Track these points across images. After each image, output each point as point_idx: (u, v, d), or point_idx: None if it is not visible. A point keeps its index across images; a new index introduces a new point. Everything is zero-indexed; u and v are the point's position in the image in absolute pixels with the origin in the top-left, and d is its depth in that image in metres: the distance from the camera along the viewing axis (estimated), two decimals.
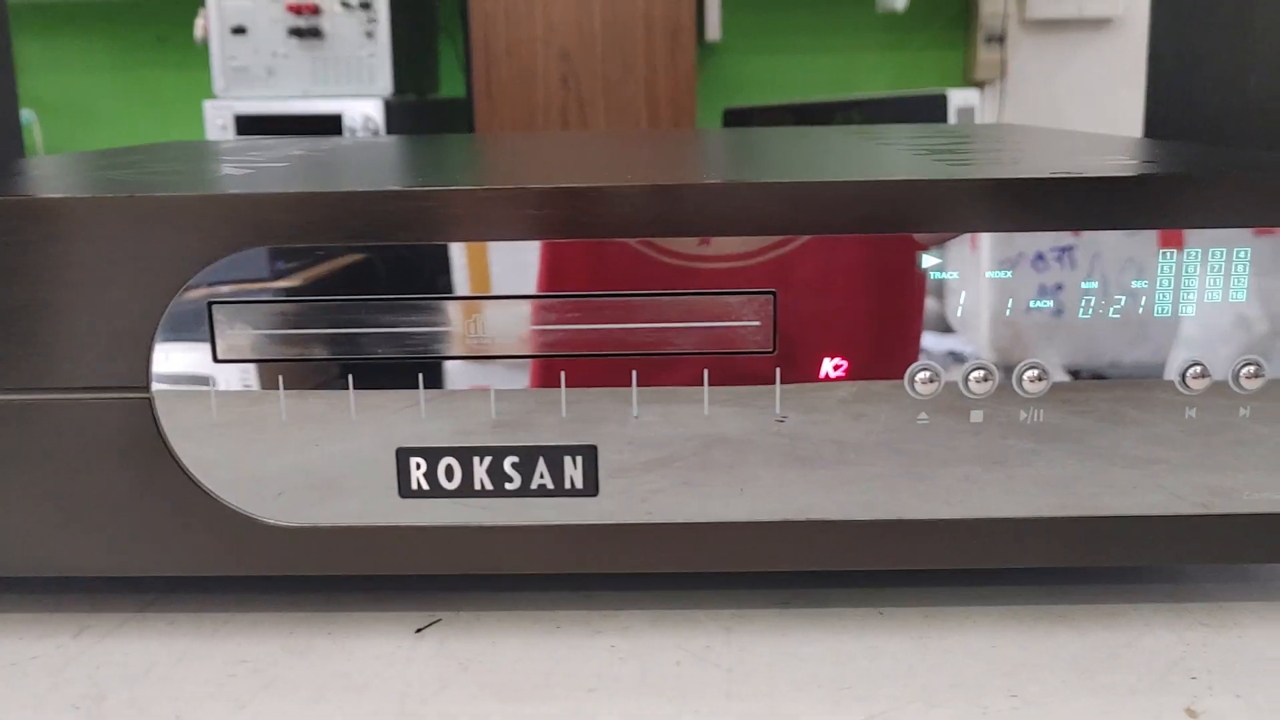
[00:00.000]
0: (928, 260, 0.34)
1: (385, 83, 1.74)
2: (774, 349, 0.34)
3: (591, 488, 0.35)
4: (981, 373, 0.34)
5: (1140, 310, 0.34)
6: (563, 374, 0.35)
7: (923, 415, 0.35)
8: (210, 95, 1.78)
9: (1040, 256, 0.34)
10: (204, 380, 0.35)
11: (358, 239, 0.34)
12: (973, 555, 0.36)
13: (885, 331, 0.34)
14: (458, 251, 0.34)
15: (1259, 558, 0.36)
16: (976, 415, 0.35)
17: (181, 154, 0.55)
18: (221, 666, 0.35)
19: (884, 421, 0.35)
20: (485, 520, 0.36)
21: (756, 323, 0.34)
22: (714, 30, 2.12)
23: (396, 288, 0.34)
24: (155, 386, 0.35)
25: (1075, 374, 0.35)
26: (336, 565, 0.36)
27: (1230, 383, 0.34)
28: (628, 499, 0.35)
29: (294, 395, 0.35)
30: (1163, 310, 0.34)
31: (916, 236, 0.34)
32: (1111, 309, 0.34)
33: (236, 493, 0.36)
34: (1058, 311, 0.34)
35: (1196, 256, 0.34)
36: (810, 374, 0.34)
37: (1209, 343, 0.34)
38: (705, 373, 0.34)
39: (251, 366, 0.35)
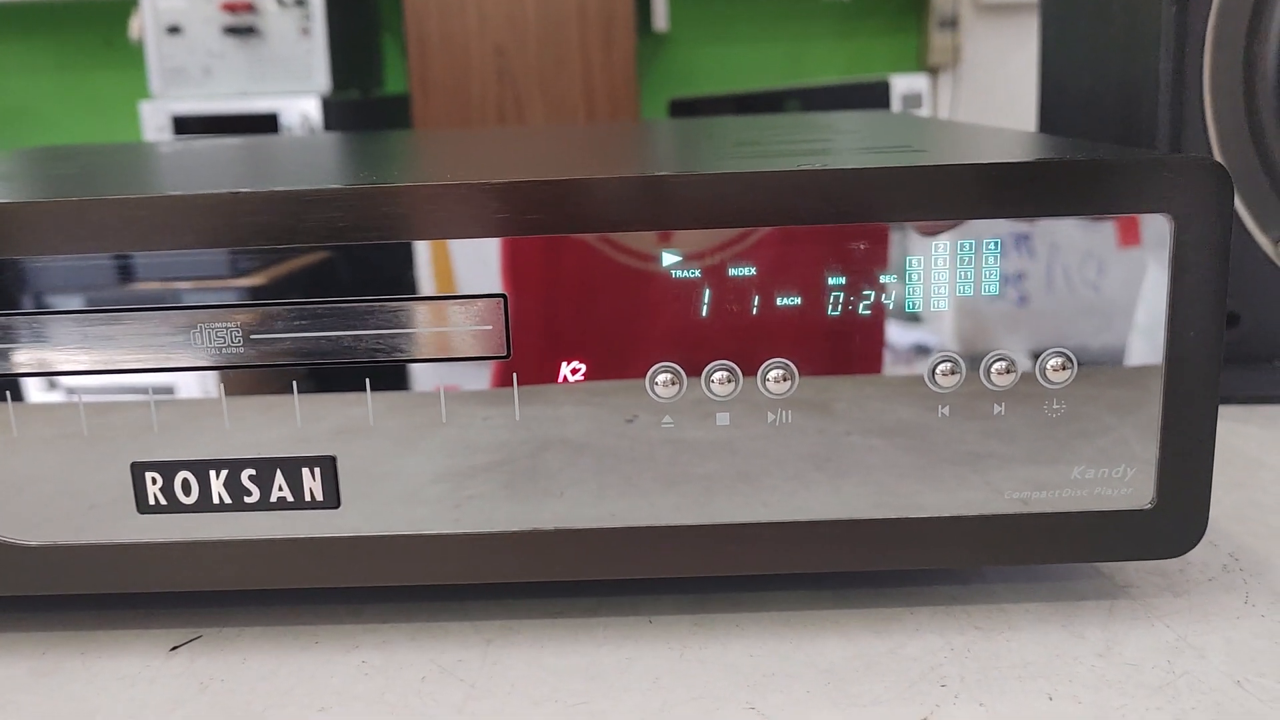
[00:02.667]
0: (668, 259, 0.33)
1: (323, 80, 1.72)
2: (508, 353, 0.33)
3: (333, 499, 0.34)
4: (724, 374, 0.33)
5: (890, 305, 0.33)
6: (294, 384, 0.33)
7: (668, 419, 0.34)
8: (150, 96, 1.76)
9: (786, 253, 0.33)
10: None
11: (68, 250, 0.33)
12: (734, 562, 0.35)
13: (624, 333, 0.33)
14: (183, 258, 0.33)
15: (1026, 559, 0.35)
16: (722, 418, 0.34)
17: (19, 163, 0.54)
18: None
19: (628, 425, 0.34)
20: (226, 534, 0.34)
21: (489, 327, 0.33)
22: (661, 20, 2.10)
23: (117, 299, 0.33)
24: None
25: (825, 373, 0.33)
26: (81, 584, 0.35)
27: (983, 379, 0.33)
28: (371, 510, 0.34)
29: (23, 410, 0.34)
30: (914, 305, 0.33)
31: (658, 235, 0.33)
32: (861, 304, 0.33)
33: None
34: (807, 308, 0.33)
35: (946, 249, 0.33)
36: (548, 377, 0.33)
37: (960, 338, 0.33)
38: (441, 379, 0.33)
39: None
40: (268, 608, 0.38)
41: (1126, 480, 0.34)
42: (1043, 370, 0.33)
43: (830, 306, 0.33)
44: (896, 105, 1.75)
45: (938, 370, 0.33)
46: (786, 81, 2.13)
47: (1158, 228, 0.32)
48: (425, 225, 0.32)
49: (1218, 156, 0.56)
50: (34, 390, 0.34)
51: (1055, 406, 0.33)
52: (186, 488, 0.34)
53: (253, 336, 0.33)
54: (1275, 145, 0.56)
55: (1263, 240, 0.57)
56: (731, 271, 0.33)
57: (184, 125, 1.71)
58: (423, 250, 0.33)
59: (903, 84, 1.79)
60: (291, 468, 0.34)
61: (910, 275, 0.33)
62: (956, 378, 0.33)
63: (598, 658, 0.35)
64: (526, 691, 0.33)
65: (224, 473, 0.34)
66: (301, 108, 1.68)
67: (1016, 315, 0.33)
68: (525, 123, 1.73)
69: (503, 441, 0.34)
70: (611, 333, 0.33)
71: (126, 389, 0.34)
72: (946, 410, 0.33)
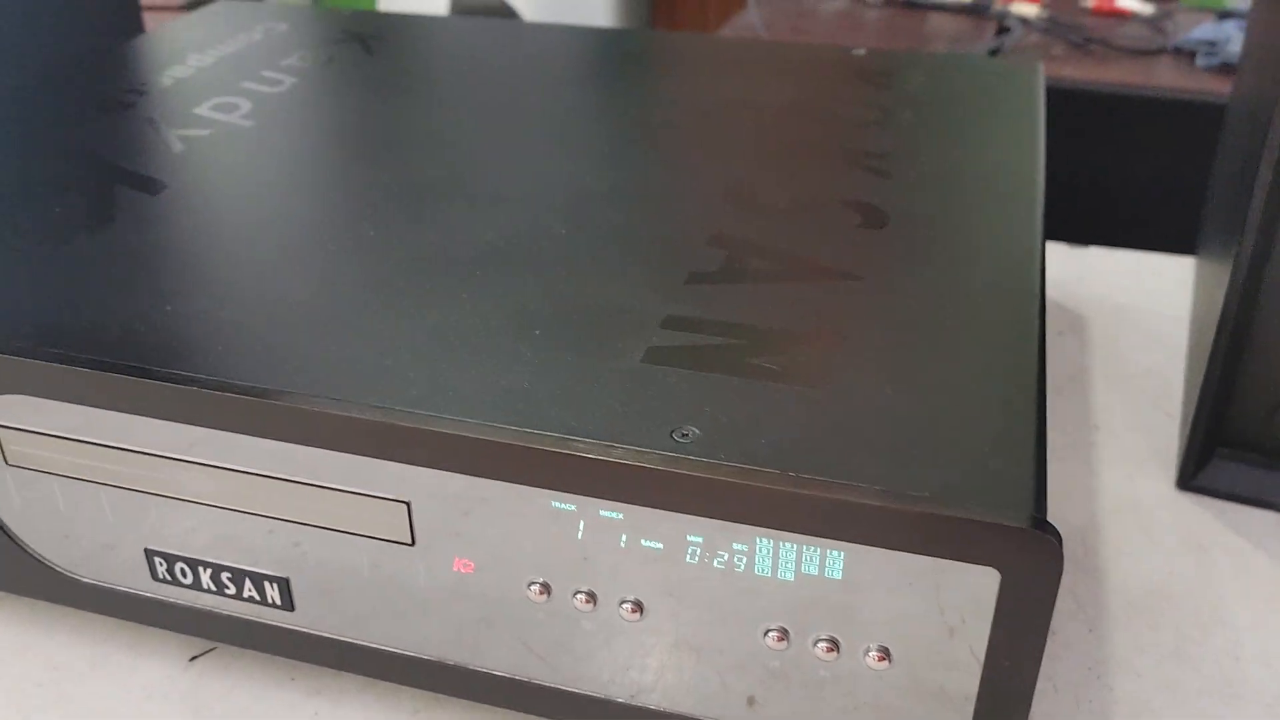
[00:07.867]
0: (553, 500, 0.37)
1: None
2: None
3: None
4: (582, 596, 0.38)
5: (738, 569, 0.36)
6: None
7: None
8: None
9: None
10: None
11: None
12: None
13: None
14: None
15: None
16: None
17: None
18: None
19: None
20: None
21: None
22: None
23: None
24: None
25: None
26: None
27: (811, 649, 0.36)
28: None
29: None
30: (763, 570, 0.36)
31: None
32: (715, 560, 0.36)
33: None
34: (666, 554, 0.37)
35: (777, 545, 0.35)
36: None
37: (793, 616, 0.36)
38: None
39: None
40: None
41: None
42: (865, 655, 0.36)
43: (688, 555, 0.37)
44: None
45: (769, 636, 0.37)
46: None
47: (985, 578, 0.33)
48: None
49: None
50: None
51: (881, 691, 0.36)
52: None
53: None
54: None
55: None
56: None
57: None
58: None
59: None
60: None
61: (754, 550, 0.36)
62: (785, 643, 0.37)
63: None
64: None
65: None
66: None
67: (849, 609, 0.35)
68: None
69: None
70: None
71: None
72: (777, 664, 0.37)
